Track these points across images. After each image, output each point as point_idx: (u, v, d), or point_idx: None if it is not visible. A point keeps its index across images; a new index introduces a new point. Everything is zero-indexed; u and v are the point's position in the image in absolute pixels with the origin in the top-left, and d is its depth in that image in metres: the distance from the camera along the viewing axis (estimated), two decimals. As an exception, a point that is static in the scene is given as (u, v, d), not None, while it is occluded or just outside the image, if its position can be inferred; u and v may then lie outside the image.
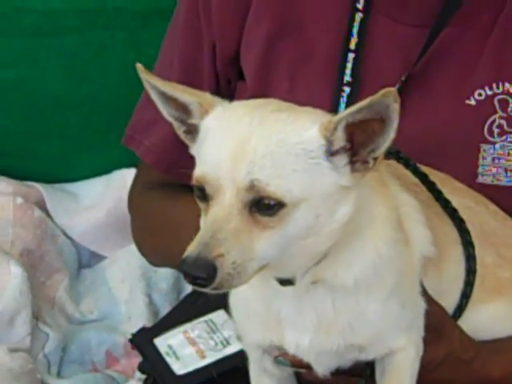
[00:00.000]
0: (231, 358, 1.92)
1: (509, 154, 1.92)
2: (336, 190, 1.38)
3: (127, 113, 2.20)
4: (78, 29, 2.74)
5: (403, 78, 1.86)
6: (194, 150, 1.45)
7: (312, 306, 1.52)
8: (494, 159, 1.91)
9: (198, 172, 1.37)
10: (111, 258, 2.74)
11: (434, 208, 1.71)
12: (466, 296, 1.72)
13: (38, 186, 2.74)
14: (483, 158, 1.91)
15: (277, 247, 1.36)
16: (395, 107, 1.31)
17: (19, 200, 2.66)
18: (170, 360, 1.95)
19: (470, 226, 1.73)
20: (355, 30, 1.93)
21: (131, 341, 2.07)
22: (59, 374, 2.49)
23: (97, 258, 2.78)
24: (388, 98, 1.30)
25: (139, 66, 1.42)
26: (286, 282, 1.46)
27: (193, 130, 1.46)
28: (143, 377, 2.11)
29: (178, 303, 2.32)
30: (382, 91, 1.29)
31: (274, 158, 1.34)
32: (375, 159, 1.38)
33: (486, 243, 1.76)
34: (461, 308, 1.73)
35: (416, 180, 1.70)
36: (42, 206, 2.72)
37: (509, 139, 1.91)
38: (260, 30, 2.00)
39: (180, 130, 1.48)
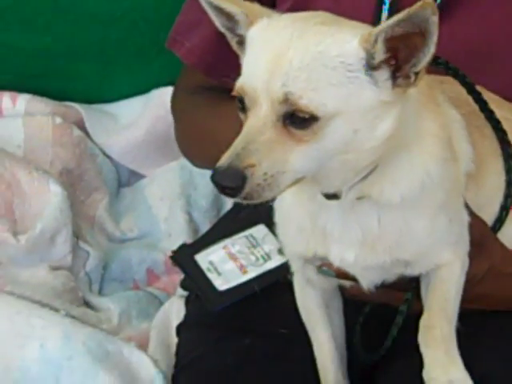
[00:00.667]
0: (273, 273, 1.92)
1: None
2: (376, 105, 1.37)
3: (166, 29, 2.16)
4: None
5: None
6: (242, 61, 1.44)
7: (358, 221, 1.52)
8: None
9: (239, 83, 1.37)
10: (150, 176, 2.75)
11: (475, 121, 1.69)
12: (505, 208, 1.71)
13: (77, 106, 2.75)
14: None
15: (312, 161, 1.36)
16: (434, 20, 1.30)
17: (58, 120, 2.65)
18: (211, 276, 1.95)
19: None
20: None
21: (172, 258, 2.07)
22: (100, 292, 2.52)
23: (136, 176, 2.80)
24: (426, 10, 1.28)
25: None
26: (331, 197, 1.46)
27: (244, 41, 1.45)
28: (185, 294, 2.14)
29: (218, 219, 2.34)
30: (420, 3, 1.27)
31: (310, 70, 1.33)
32: (417, 74, 1.36)
33: None
34: (501, 220, 1.72)
35: (456, 93, 1.68)
36: (80, 125, 2.72)
37: None
38: None
39: (233, 41, 1.47)
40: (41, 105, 2.70)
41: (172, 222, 2.63)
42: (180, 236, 2.48)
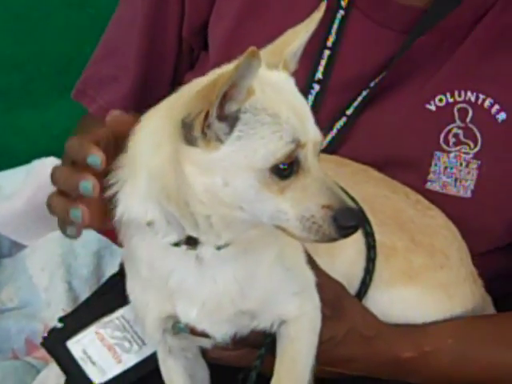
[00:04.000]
0: (149, 360, 1.68)
1: (461, 165, 1.76)
2: None
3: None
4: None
5: (376, 81, 1.74)
6: (226, 146, 1.22)
7: (210, 276, 1.37)
8: (445, 168, 1.77)
9: (285, 149, 1.21)
10: (31, 246, 2.57)
11: None
12: (367, 274, 1.59)
13: None
14: (435, 165, 1.76)
15: None
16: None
17: None
18: (85, 367, 1.68)
19: (381, 213, 1.61)
20: (334, 27, 1.79)
21: (42, 344, 1.75)
22: None
23: (17, 246, 2.61)
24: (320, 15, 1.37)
25: (252, 50, 1.15)
26: (219, 248, 1.32)
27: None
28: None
29: (89, 297, 1.99)
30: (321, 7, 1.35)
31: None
32: None
33: (398, 229, 1.61)
34: (365, 283, 1.59)
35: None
36: None
37: (463, 150, 1.75)
38: (233, 4, 1.83)
39: (199, 129, 1.24)
40: None
41: (52, 291, 2.45)
42: (59, 305, 2.31)
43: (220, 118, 1.20)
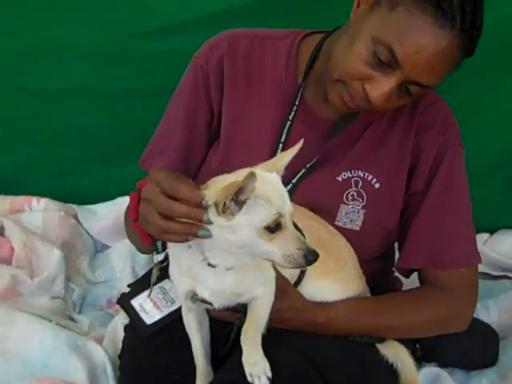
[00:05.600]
0: (177, 311, 1.99)
1: (354, 212, 2.00)
2: None
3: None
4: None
5: (310, 164, 1.98)
6: (239, 215, 1.52)
7: (215, 276, 1.69)
8: (346, 213, 2.00)
9: (272, 217, 1.51)
10: (113, 246, 2.95)
11: None
12: (301, 272, 1.88)
13: (74, 205, 2.99)
14: (340, 212, 2.00)
15: None
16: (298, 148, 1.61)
17: (62, 213, 2.90)
18: (141, 314, 2.05)
19: (310, 236, 1.78)
20: (285, 130, 2.00)
21: (118, 302, 2.14)
22: (80, 312, 2.66)
23: (106, 247, 2.98)
24: (299, 145, 1.61)
25: (253, 173, 1.45)
26: (211, 265, 1.64)
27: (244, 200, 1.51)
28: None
29: (145, 273, 2.30)
30: (299, 143, 1.62)
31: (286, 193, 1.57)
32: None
33: (320, 247, 1.74)
34: (300, 279, 1.89)
35: None
36: (75, 217, 2.96)
37: (356, 203, 2.00)
38: (228, 112, 2.05)
39: (222, 207, 1.53)
40: (53, 204, 2.92)
41: (123, 272, 2.79)
42: (127, 281, 2.53)
43: (235, 202, 1.50)
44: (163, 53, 2.61)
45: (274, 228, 1.51)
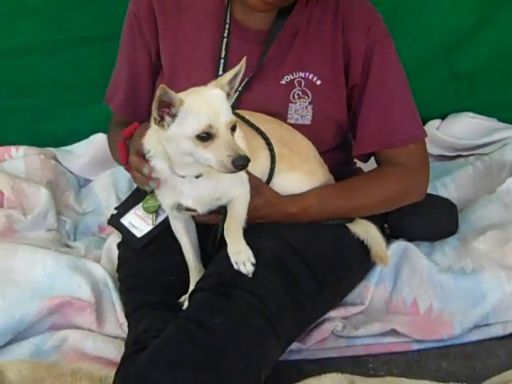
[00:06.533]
0: (163, 222, 2.11)
1: (303, 109, 2.09)
2: None
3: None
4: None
5: (252, 73, 2.04)
6: (172, 126, 1.63)
7: (196, 186, 1.79)
8: (295, 111, 2.08)
9: (201, 126, 1.59)
10: (95, 180, 3.00)
11: (252, 134, 1.94)
12: (271, 170, 1.97)
13: (52, 149, 3.01)
14: (290, 110, 2.09)
15: None
16: (244, 66, 1.71)
17: (42, 157, 2.93)
18: (131, 229, 2.15)
19: (273, 137, 1.96)
20: (223, 47, 2.09)
21: (108, 222, 2.27)
22: (74, 239, 2.71)
23: (88, 181, 3.03)
24: (243, 62, 1.70)
25: (163, 86, 1.58)
26: (197, 176, 1.75)
27: (162, 120, 1.64)
28: (119, 234, 2.28)
29: (128, 196, 2.43)
30: (242, 61, 1.69)
31: (225, 105, 1.66)
32: (234, 92, 1.74)
33: (283, 145, 1.98)
34: (271, 176, 1.98)
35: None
36: (55, 158, 2.98)
37: (302, 101, 2.08)
38: (165, 45, 2.15)
39: (156, 121, 1.67)
40: (31, 150, 2.94)
41: (108, 200, 2.87)
42: (112, 206, 2.50)
43: (169, 115, 1.62)
44: None
45: (205, 137, 1.59)
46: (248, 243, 1.77)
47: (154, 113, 1.62)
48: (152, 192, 1.93)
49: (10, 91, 2.88)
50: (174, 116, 1.61)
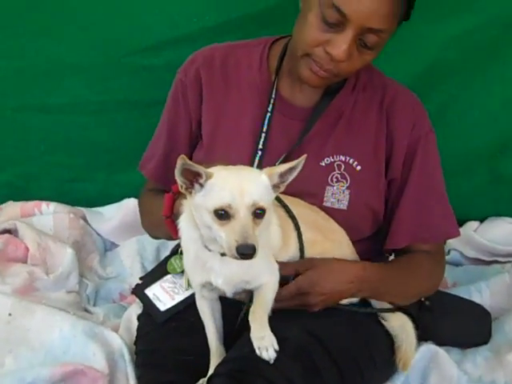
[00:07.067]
0: (188, 297, 2.06)
1: (340, 193, 2.05)
2: (272, 202, 1.68)
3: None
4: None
5: (290, 149, 2.02)
6: (198, 196, 1.63)
7: (227, 266, 1.76)
8: (332, 194, 2.05)
9: (220, 203, 1.57)
10: (122, 245, 2.98)
11: (285, 218, 1.90)
12: (301, 254, 1.91)
13: (82, 208, 3.02)
14: (326, 193, 2.05)
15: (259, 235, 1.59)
16: (302, 163, 1.65)
17: (71, 215, 2.93)
18: (155, 302, 2.10)
19: (307, 222, 1.91)
20: (266, 121, 2.07)
21: (132, 292, 2.21)
22: (94, 305, 2.67)
23: (115, 245, 3.01)
24: (303, 160, 1.65)
25: (182, 157, 1.58)
26: (223, 254, 1.68)
27: (190, 187, 1.64)
28: (140, 305, 2.23)
29: (155, 266, 2.41)
30: (302, 157, 1.64)
31: (257, 190, 1.61)
32: (283, 185, 1.69)
33: (316, 231, 1.94)
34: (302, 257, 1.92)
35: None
36: (84, 218, 2.98)
37: (340, 185, 2.05)
38: (208, 115, 2.14)
39: (182, 188, 1.66)
40: (62, 207, 2.95)
41: (133, 268, 2.83)
42: (137, 275, 2.57)
43: (199, 184, 1.62)
44: (157, 66, 2.69)
45: (223, 215, 1.57)
46: (272, 330, 1.73)
47: (178, 180, 1.62)
48: (181, 253, 1.90)
49: (48, 147, 2.90)
50: (201, 186, 1.61)
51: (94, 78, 2.75)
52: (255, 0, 2.58)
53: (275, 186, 1.68)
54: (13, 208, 2.91)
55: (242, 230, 1.55)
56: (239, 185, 1.59)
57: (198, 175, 1.61)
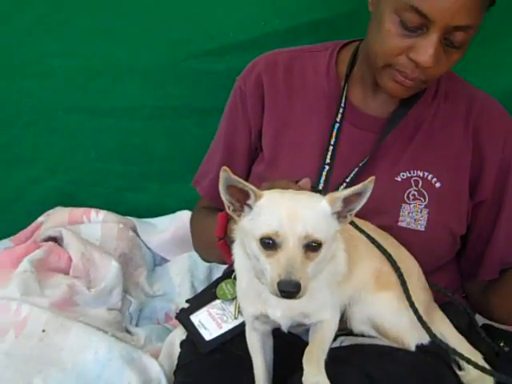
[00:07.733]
0: (237, 327, 1.98)
1: (417, 212, 1.96)
2: (335, 233, 1.55)
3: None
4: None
5: (363, 162, 1.94)
6: (246, 220, 1.52)
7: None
8: (408, 213, 1.95)
9: (266, 230, 1.45)
10: (172, 260, 2.86)
11: (352, 242, 1.77)
12: (405, 289, 1.78)
13: (132, 218, 2.91)
14: (402, 211, 1.95)
15: (314, 271, 1.50)
16: (371, 188, 1.50)
17: (121, 225, 2.83)
18: (201, 330, 2.01)
19: (373, 249, 1.80)
20: (334, 133, 2.00)
21: (176, 317, 2.11)
22: (137, 325, 2.59)
23: (165, 260, 2.90)
24: (371, 183, 1.50)
25: (225, 168, 1.46)
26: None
27: (239, 209, 1.53)
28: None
29: (203, 289, 2.27)
30: (369, 180, 1.49)
31: (313, 219, 1.48)
32: (351, 215, 1.54)
33: (384, 260, 1.81)
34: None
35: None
36: (134, 229, 2.87)
37: (418, 203, 1.96)
38: (270, 125, 2.07)
39: (229, 209, 1.54)
40: (111, 217, 2.85)
41: (182, 287, 2.71)
42: (186, 295, 2.53)
43: (248, 205, 1.51)
44: (219, 72, 2.59)
45: (269, 244, 1.45)
46: (327, 373, 1.59)
47: (223, 198, 1.51)
48: (234, 278, 1.80)
49: (99, 154, 2.83)
50: (250, 208, 1.50)
51: (150, 81, 2.67)
52: (328, 5, 2.49)
53: (340, 216, 1.53)
54: (61, 214, 2.83)
55: (287, 264, 1.42)
56: (291, 210, 1.46)
57: (246, 194, 1.49)
